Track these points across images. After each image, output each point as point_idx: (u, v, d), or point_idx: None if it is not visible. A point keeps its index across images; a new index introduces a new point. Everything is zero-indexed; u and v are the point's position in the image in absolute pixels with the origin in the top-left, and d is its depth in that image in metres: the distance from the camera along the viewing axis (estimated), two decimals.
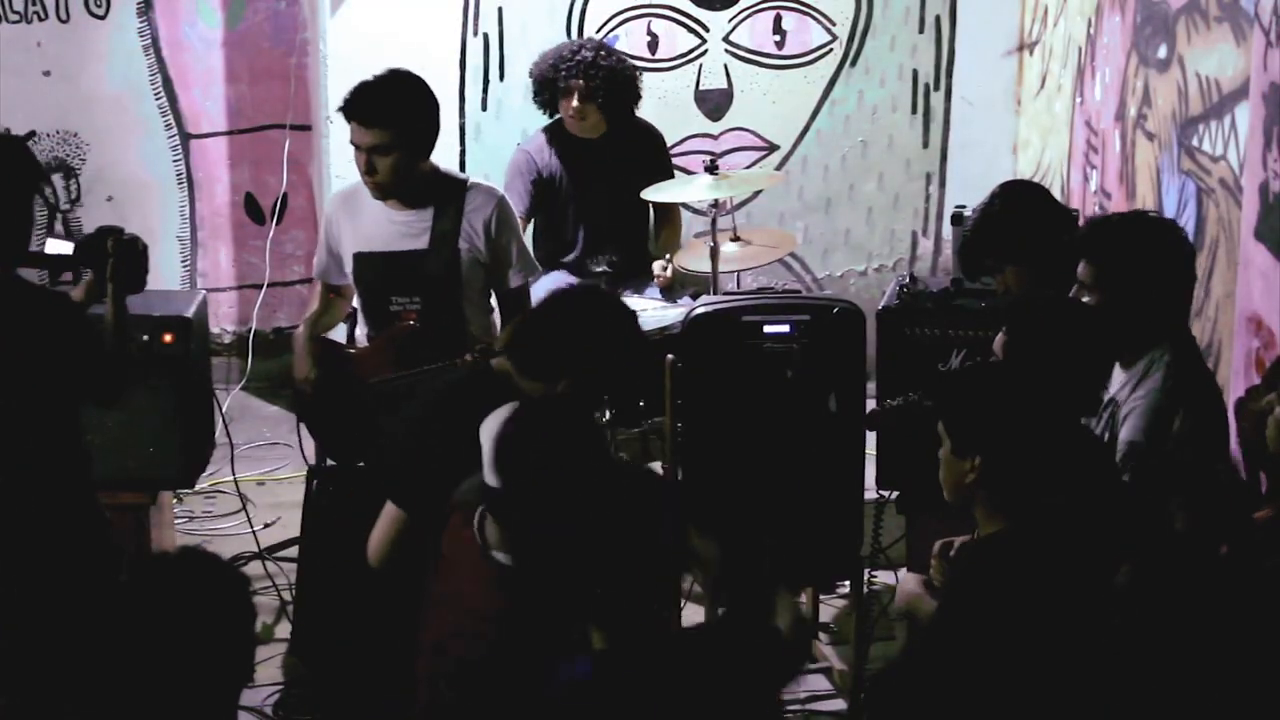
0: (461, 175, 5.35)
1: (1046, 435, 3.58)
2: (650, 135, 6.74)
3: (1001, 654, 3.39)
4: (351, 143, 5.11)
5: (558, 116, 6.58)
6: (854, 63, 7.36)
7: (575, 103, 6.43)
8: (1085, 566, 3.49)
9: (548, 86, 6.51)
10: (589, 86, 6.43)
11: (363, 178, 5.13)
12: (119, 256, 4.29)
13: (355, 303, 5.38)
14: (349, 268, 5.23)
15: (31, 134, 7.14)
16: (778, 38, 7.33)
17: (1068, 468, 3.65)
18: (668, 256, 6.56)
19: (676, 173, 6.93)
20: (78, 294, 4.42)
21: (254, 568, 5.56)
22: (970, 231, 4.82)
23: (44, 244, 4.39)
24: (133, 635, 2.87)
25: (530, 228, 6.63)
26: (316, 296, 5.40)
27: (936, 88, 7.44)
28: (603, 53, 6.54)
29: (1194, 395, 4.11)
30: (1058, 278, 4.56)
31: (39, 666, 4.14)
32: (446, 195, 5.16)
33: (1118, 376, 4.22)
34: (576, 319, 4.04)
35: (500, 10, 7.18)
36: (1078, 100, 6.70)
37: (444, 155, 5.55)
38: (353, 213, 5.22)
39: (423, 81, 5.22)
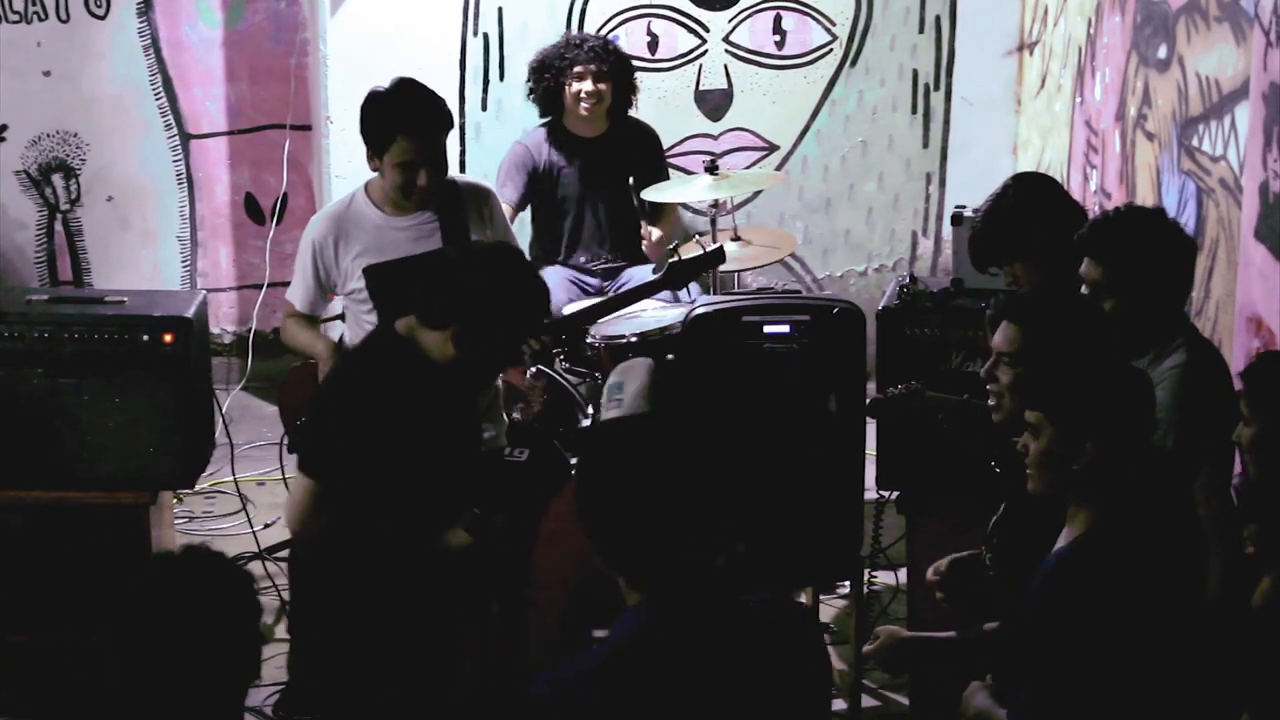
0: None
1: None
2: (647, 135, 6.74)
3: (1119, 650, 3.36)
4: (403, 162, 4.89)
5: (553, 118, 6.58)
6: (854, 63, 7.37)
7: (589, 85, 6.43)
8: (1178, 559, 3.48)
9: (554, 75, 6.49)
10: (600, 69, 6.43)
11: (409, 192, 4.94)
12: None
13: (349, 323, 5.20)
14: (353, 285, 5.03)
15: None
16: (778, 38, 7.33)
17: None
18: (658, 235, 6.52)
19: (677, 173, 6.92)
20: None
21: (254, 568, 5.55)
22: (981, 223, 4.78)
23: None
24: (140, 634, 2.87)
25: (527, 225, 6.61)
26: (293, 326, 5.22)
27: (936, 88, 7.44)
28: (608, 44, 6.58)
29: (1210, 395, 4.10)
30: (1067, 272, 4.55)
31: None
32: (441, 194, 5.14)
33: None
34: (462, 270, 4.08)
35: (500, 10, 7.18)
36: (1078, 100, 6.70)
37: None
38: (347, 233, 5.04)
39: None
